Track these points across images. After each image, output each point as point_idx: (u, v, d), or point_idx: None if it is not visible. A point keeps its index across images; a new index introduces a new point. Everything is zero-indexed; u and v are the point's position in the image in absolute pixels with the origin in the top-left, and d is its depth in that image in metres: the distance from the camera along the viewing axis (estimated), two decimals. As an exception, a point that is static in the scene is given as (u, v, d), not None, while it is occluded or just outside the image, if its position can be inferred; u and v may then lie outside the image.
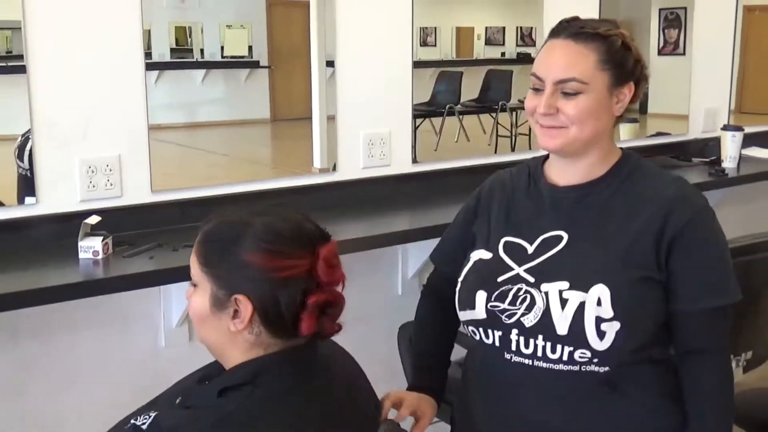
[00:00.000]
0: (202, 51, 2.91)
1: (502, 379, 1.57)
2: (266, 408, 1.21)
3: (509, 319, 1.54)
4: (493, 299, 1.56)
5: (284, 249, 1.23)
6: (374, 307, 2.80)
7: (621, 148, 1.63)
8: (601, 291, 1.46)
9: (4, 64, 2.35)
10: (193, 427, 1.19)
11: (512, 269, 1.56)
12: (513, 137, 3.38)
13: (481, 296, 1.57)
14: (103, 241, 2.13)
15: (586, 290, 1.47)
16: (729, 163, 3.44)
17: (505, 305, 1.54)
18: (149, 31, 2.40)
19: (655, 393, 1.53)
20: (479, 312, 1.57)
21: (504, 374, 1.57)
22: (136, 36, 2.32)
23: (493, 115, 3.42)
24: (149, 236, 2.27)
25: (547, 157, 1.66)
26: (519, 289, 1.54)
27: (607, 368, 1.49)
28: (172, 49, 2.75)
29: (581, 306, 1.47)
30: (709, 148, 3.62)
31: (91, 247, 2.12)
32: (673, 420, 1.53)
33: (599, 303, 1.46)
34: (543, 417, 1.53)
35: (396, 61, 2.80)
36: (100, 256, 2.11)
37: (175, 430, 1.20)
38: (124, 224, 2.28)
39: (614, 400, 1.52)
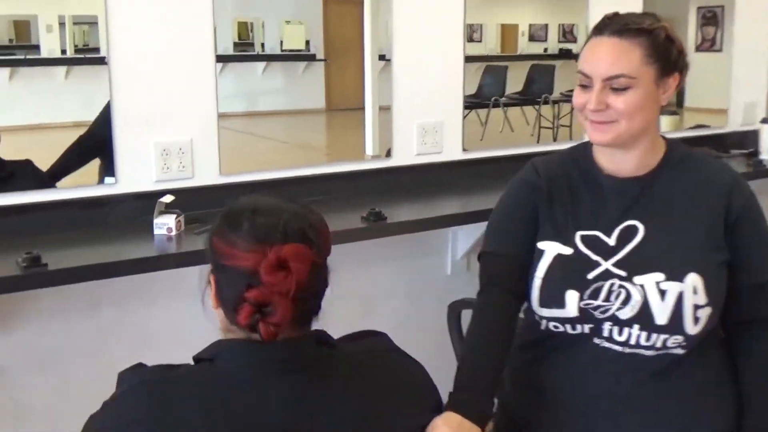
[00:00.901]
0: (262, 45, 2.95)
1: (587, 360, 1.54)
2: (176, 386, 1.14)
3: (603, 314, 1.51)
4: (585, 297, 1.51)
5: (234, 239, 1.14)
6: (425, 287, 2.82)
7: (662, 136, 1.61)
8: (695, 279, 1.46)
9: (82, 56, 2.41)
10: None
11: (599, 264, 1.51)
12: (555, 128, 3.37)
13: (572, 296, 1.51)
14: (176, 218, 2.19)
15: (681, 280, 1.46)
16: (767, 154, 3.41)
17: (599, 302, 1.50)
18: (214, 26, 2.45)
19: (719, 367, 1.56)
20: (570, 311, 1.52)
21: (589, 355, 1.53)
22: (207, 30, 2.37)
23: (536, 107, 3.41)
24: (217, 215, 2.32)
25: (587, 144, 1.62)
26: (612, 285, 1.50)
27: (687, 350, 1.50)
28: (234, 43, 2.79)
29: (680, 296, 1.46)
30: (748, 140, 3.59)
31: (165, 224, 2.18)
32: (733, 390, 1.55)
33: (695, 291, 1.46)
34: (621, 395, 1.52)
35: (448, 56, 2.82)
36: (173, 233, 2.17)
37: None
38: (195, 203, 2.34)
39: (687, 377, 1.53)
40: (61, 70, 2.38)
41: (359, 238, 2.37)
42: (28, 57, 2.36)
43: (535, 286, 1.55)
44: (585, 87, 1.53)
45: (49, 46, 2.37)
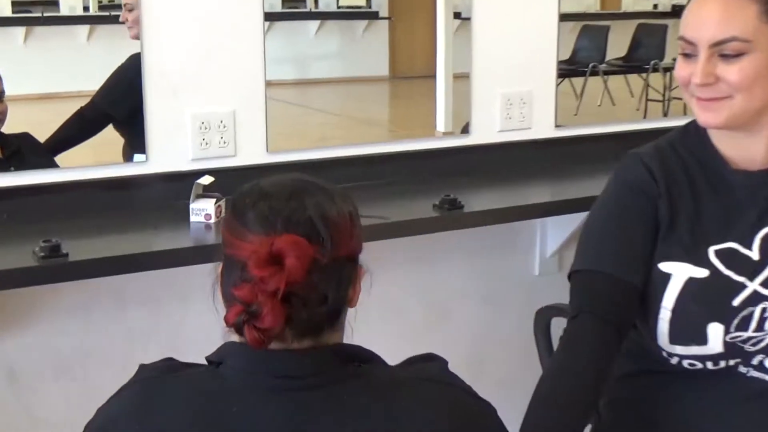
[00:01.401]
0: (316, 1, 2.95)
1: (728, 392, 1.50)
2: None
3: (755, 346, 1.46)
4: (732, 330, 1.45)
5: (236, 225, 1.18)
6: (508, 289, 2.80)
7: None
8: None
9: (107, 14, 2.44)
10: None
11: (745, 286, 1.45)
12: (665, 101, 3.32)
13: (716, 329, 1.45)
14: (216, 203, 2.19)
15: None
16: None
17: (750, 333, 1.45)
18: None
19: None
20: (713, 347, 1.46)
21: (731, 387, 1.49)
22: (253, -19, 2.38)
23: (643, 75, 3.36)
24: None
25: (697, 127, 1.54)
26: (765, 310, 1.44)
27: None
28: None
29: None
30: None
31: (203, 210, 2.18)
32: None
33: None
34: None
35: (538, 13, 2.79)
36: (212, 220, 2.17)
37: None
38: (238, 186, 2.34)
39: None
40: (83, 29, 2.41)
41: (430, 229, 2.36)
42: (45, 15, 2.39)
43: (663, 319, 1.48)
44: (688, 56, 1.45)
45: (70, 2, 2.41)
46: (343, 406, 1.15)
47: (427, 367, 1.26)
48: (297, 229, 1.15)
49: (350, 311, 1.25)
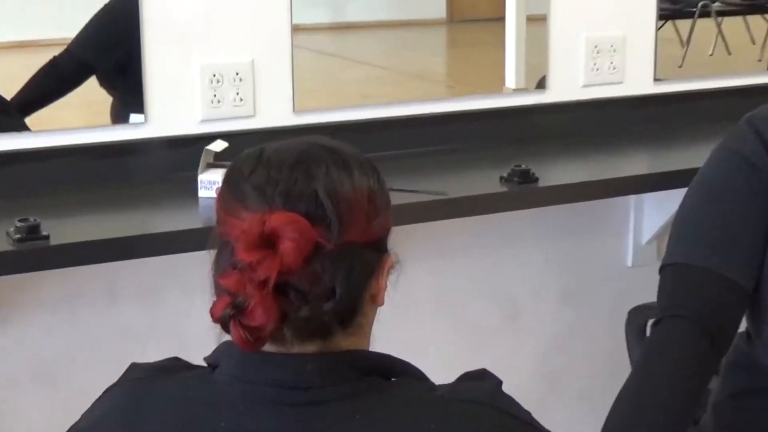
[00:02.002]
0: (355, -75, 2.95)
1: None
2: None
3: None
4: None
5: (230, 199, 1.20)
6: (593, 283, 2.81)
7: None
8: None
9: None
10: None
11: None
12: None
13: None
14: (230, 174, 2.21)
15: None
16: None
17: None
18: None
19: None
20: None
21: None
22: None
23: (767, 16, 3.33)
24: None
25: None
26: None
27: None
28: None
29: None
30: None
31: (214, 183, 2.18)
32: None
33: None
34: None
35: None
36: (225, 195, 2.19)
37: None
38: (257, 154, 2.36)
39: None
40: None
41: (496, 208, 2.36)
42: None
43: None
44: None
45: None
46: (353, 427, 1.16)
47: (474, 387, 1.25)
48: (297, 206, 1.15)
49: (383, 309, 1.25)
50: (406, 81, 2.90)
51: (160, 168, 2.31)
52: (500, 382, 1.26)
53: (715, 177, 1.58)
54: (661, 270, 1.57)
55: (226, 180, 1.22)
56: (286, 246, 1.12)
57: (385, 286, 1.23)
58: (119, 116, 2.36)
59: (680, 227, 1.58)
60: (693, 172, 1.79)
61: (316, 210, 1.16)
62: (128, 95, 2.33)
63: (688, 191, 1.61)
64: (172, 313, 2.37)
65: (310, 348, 1.18)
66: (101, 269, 2.15)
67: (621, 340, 2.24)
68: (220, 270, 1.18)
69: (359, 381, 1.18)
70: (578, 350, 2.80)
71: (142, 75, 2.31)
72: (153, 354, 2.35)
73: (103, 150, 2.29)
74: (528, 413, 1.24)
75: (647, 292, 2.17)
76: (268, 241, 1.12)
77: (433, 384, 1.25)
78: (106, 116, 2.36)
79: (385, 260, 1.23)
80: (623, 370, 2.12)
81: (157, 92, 2.33)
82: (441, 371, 1.32)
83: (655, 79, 2.86)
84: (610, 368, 2.25)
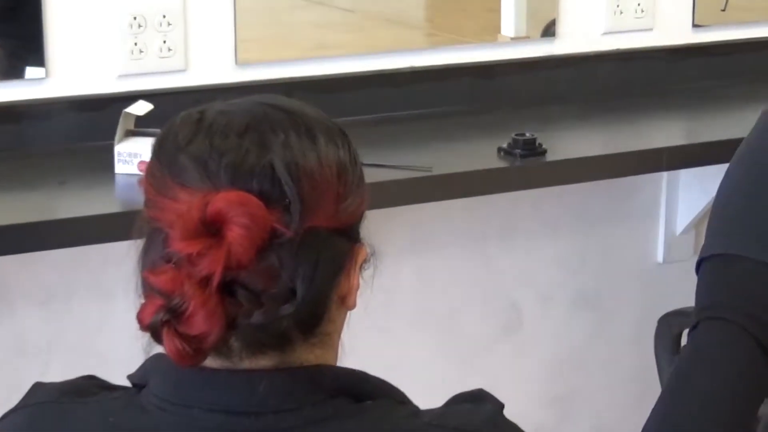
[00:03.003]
0: None
1: None
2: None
3: None
4: None
5: (160, 175, 1.20)
6: (614, 284, 2.82)
7: None
8: None
9: None
10: None
11: None
12: None
13: None
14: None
15: None
16: None
17: None
18: None
19: None
20: None
21: None
22: None
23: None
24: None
25: None
26: None
27: None
28: None
29: None
30: None
31: (135, 155, 2.19)
32: None
33: None
34: None
35: None
36: (149, 171, 2.20)
37: None
38: (188, 117, 2.36)
39: None
40: None
41: (494, 188, 2.37)
42: None
43: None
44: None
45: None
46: None
47: (469, 411, 1.26)
48: (248, 183, 1.16)
49: (355, 315, 1.25)
50: (376, 26, 2.92)
51: (64, 136, 2.32)
52: (501, 406, 1.27)
53: (760, 153, 1.63)
54: (699, 265, 1.60)
55: (157, 151, 1.22)
56: (235, 233, 1.11)
57: (358, 285, 1.23)
58: (11, 70, 2.36)
59: (721, 211, 1.63)
60: (738, 142, 1.80)
61: (272, 188, 1.16)
62: (19, 44, 2.34)
63: (728, 171, 1.66)
64: (81, 320, 2.37)
65: (263, 363, 1.18)
66: (-9, 265, 2.15)
67: (649, 355, 2.24)
68: (149, 264, 1.18)
69: (324, 404, 1.19)
70: (595, 369, 2.81)
71: (41, 17, 2.30)
72: (58, 373, 2.35)
73: (-9, 113, 2.29)
74: None
75: (682, 294, 2.19)
76: (211, 228, 1.12)
77: (417, 408, 1.25)
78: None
79: (358, 252, 1.23)
80: (652, 393, 2.14)
81: (61, 39, 2.33)
82: (425, 393, 1.32)
83: (694, 25, 2.89)
84: (635, 391, 2.25)
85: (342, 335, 1.26)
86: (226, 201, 1.12)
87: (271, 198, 1.15)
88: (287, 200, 1.16)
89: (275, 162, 1.16)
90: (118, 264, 2.29)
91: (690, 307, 2.16)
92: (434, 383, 1.25)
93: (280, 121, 1.20)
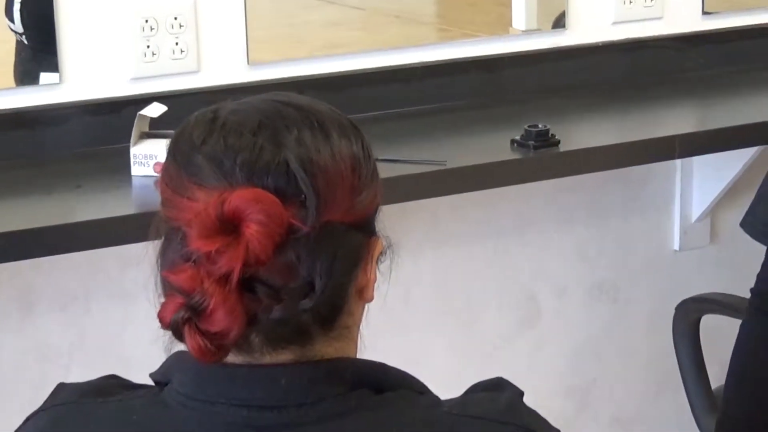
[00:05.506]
0: None
1: None
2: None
3: None
4: None
5: (177, 175, 1.20)
6: (630, 273, 2.82)
7: None
8: None
9: None
10: None
11: None
12: None
13: None
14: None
15: None
16: None
17: None
18: None
19: None
20: None
21: None
22: None
23: None
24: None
25: None
26: None
27: None
28: None
29: None
30: None
31: (151, 157, 2.20)
32: None
33: None
34: None
35: None
36: (165, 172, 2.20)
37: None
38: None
39: None
40: None
41: (508, 180, 2.37)
42: None
43: None
44: None
45: None
46: None
47: (489, 399, 1.26)
48: (264, 180, 1.16)
49: (372, 311, 1.26)
50: (387, 23, 2.91)
51: (80, 140, 2.32)
52: (521, 393, 1.27)
53: None
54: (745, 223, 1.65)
55: (172, 151, 1.22)
56: (252, 230, 1.12)
57: (375, 278, 1.24)
58: (26, 76, 2.36)
59: None
60: (753, 128, 1.79)
61: (288, 184, 1.16)
62: (38, 49, 2.33)
63: None
64: (102, 323, 2.37)
65: (284, 357, 1.19)
66: (9, 272, 2.16)
67: (667, 343, 2.25)
68: (168, 264, 1.19)
69: (346, 397, 1.19)
70: (613, 359, 2.81)
71: (55, 22, 2.31)
72: (80, 376, 2.35)
73: (7, 119, 2.29)
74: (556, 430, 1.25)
75: (699, 281, 2.20)
76: (229, 226, 1.13)
77: (437, 398, 1.25)
78: (10, 77, 2.37)
79: (374, 245, 1.23)
80: (670, 381, 2.14)
81: (74, 45, 2.33)
82: (444, 386, 1.33)
83: (704, 13, 2.88)
84: (654, 380, 2.24)
85: (361, 328, 1.26)
86: (242, 198, 1.13)
87: (286, 194, 1.15)
88: (303, 196, 1.16)
89: (289, 158, 1.17)
90: (137, 266, 2.30)
91: (707, 294, 2.16)
92: (453, 375, 1.25)
93: (292, 118, 1.21)
